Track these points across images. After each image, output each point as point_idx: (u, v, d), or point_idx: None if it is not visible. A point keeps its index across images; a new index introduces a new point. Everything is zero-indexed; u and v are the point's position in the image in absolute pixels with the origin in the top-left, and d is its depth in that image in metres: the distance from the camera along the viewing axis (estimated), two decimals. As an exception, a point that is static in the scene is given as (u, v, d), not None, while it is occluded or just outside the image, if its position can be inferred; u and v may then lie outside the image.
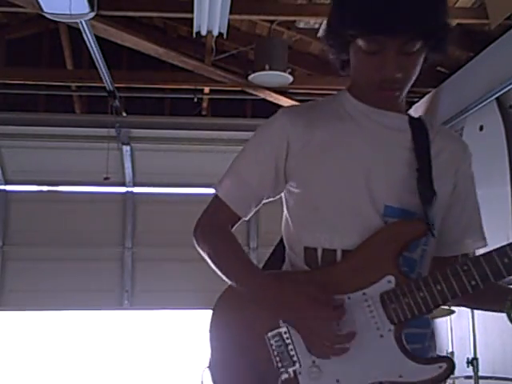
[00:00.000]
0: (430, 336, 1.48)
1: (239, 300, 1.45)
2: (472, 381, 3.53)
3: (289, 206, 1.51)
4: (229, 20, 4.14)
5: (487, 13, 3.95)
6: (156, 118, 5.86)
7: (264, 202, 1.53)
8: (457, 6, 4.20)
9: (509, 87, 4.00)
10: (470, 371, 3.53)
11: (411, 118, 1.50)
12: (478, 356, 3.52)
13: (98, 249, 5.91)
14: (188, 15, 4.14)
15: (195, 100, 5.83)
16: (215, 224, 1.51)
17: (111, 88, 5.19)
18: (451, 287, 1.31)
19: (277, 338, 1.38)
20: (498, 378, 3.73)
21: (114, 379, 5.68)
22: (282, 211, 1.55)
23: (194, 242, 1.53)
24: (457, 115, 4.65)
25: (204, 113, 6.35)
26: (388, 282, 1.35)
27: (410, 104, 5.73)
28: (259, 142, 1.51)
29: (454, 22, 4.34)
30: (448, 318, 4.08)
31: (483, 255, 1.31)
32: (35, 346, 5.77)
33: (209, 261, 1.48)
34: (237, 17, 4.45)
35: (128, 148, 5.71)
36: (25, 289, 5.69)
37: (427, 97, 5.35)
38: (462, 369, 3.72)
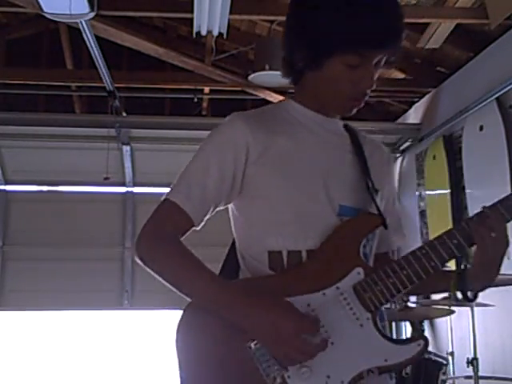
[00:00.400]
0: (387, 326, 1.57)
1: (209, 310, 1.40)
2: (472, 381, 3.53)
3: (245, 212, 1.51)
4: (229, 20, 4.14)
5: (487, 13, 3.95)
6: (156, 117, 5.85)
7: (216, 210, 1.50)
8: (457, 5, 4.20)
9: (509, 87, 4.00)
10: (470, 371, 3.53)
11: (344, 124, 1.60)
12: (478, 356, 3.52)
13: (98, 249, 5.91)
14: (188, 15, 4.13)
15: (195, 100, 5.84)
16: (167, 233, 1.43)
17: (111, 88, 5.19)
18: (416, 270, 1.42)
19: (259, 346, 1.36)
20: (497, 378, 3.73)
21: (113, 379, 5.67)
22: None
23: (136, 254, 1.42)
24: (457, 115, 4.65)
25: (204, 113, 6.35)
26: (358, 274, 1.42)
27: (410, 104, 5.73)
28: (217, 145, 1.49)
29: (454, 21, 4.35)
30: (448, 318, 4.09)
31: (436, 239, 1.45)
32: (35, 346, 5.77)
33: (159, 277, 1.40)
34: (237, 17, 4.45)
35: (128, 148, 5.70)
36: (25, 289, 5.69)
37: (427, 97, 5.35)
38: (462, 369, 3.72)
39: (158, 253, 1.43)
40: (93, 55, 4.55)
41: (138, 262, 1.42)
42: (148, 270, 1.42)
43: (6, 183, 5.92)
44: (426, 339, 1.42)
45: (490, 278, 1.48)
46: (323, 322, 1.37)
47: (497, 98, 4.15)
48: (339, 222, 1.46)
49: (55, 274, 5.72)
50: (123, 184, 5.99)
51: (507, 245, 1.44)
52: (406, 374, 3.33)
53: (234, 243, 1.57)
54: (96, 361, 5.73)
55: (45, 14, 3.84)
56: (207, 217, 1.48)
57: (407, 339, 1.45)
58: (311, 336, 1.33)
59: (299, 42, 1.48)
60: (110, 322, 5.92)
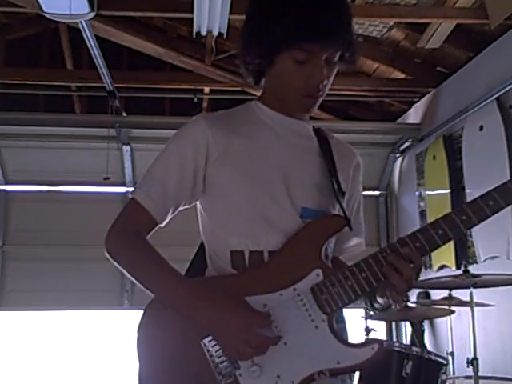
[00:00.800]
0: (346, 329, 1.61)
1: (168, 308, 1.43)
2: (472, 381, 3.53)
3: (209, 212, 1.53)
4: (229, 20, 4.14)
5: (487, 13, 3.95)
6: (156, 117, 5.85)
7: (180, 209, 1.53)
8: (457, 6, 4.20)
9: (509, 87, 4.00)
10: (470, 371, 3.53)
11: (313, 127, 1.61)
12: (478, 356, 3.51)
13: (98, 249, 5.79)
14: (188, 15, 4.13)
15: (195, 100, 5.83)
16: (130, 231, 1.50)
17: (111, 88, 5.19)
18: (375, 273, 1.41)
19: (213, 343, 1.37)
20: (498, 378, 3.73)
21: (113, 379, 5.67)
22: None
23: (106, 250, 1.50)
24: (457, 115, 4.65)
25: (204, 113, 6.35)
26: (316, 276, 1.43)
27: (410, 104, 5.72)
28: (179, 145, 1.52)
29: (454, 21, 4.35)
30: (448, 318, 4.08)
31: (398, 241, 1.43)
32: (35, 346, 5.77)
33: (126, 272, 1.46)
34: (237, 17, 4.43)
35: (128, 148, 5.70)
36: (25, 289, 5.69)
37: (427, 97, 5.35)
38: (461, 369, 3.72)
39: (121, 250, 1.50)
40: (93, 55, 4.55)
41: (107, 256, 1.49)
42: (116, 264, 1.48)
43: (6, 183, 5.91)
44: (380, 342, 1.41)
45: (398, 296, 1.43)
46: (278, 322, 1.38)
47: (497, 98, 4.15)
48: (302, 224, 1.47)
49: (55, 274, 5.71)
50: (123, 184, 5.98)
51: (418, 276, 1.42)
52: (406, 373, 3.32)
53: (203, 242, 1.60)
54: (96, 361, 5.74)
55: (45, 14, 3.84)
56: (170, 215, 1.52)
57: (362, 342, 1.43)
58: (262, 331, 1.34)
59: (251, 39, 1.52)
60: (110, 322, 5.92)
